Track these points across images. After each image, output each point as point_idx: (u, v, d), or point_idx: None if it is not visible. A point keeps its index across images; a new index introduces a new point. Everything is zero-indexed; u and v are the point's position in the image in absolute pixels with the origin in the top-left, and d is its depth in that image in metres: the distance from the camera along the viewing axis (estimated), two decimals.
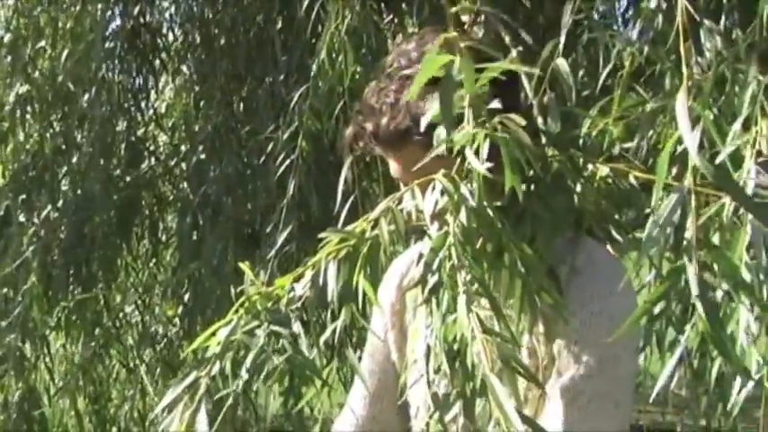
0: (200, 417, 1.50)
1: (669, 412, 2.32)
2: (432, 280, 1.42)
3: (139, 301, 5.37)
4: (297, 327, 1.54)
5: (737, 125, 1.65)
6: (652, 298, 1.28)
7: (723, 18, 2.55)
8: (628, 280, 1.74)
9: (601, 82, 2.49)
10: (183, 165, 5.12)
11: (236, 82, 4.78)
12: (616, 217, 1.78)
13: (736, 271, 1.24)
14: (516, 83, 1.78)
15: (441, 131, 1.48)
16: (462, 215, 1.43)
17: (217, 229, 4.51)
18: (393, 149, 1.81)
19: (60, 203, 4.96)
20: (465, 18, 1.91)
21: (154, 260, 5.42)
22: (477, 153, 1.42)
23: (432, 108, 1.50)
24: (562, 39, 2.00)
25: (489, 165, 1.41)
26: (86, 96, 4.93)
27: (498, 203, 1.47)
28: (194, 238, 4.71)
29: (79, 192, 4.89)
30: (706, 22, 2.15)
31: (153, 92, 5.31)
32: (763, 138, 1.64)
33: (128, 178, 5.04)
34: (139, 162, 5.17)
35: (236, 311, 1.57)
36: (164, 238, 5.35)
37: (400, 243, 1.60)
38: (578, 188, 1.71)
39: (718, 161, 1.51)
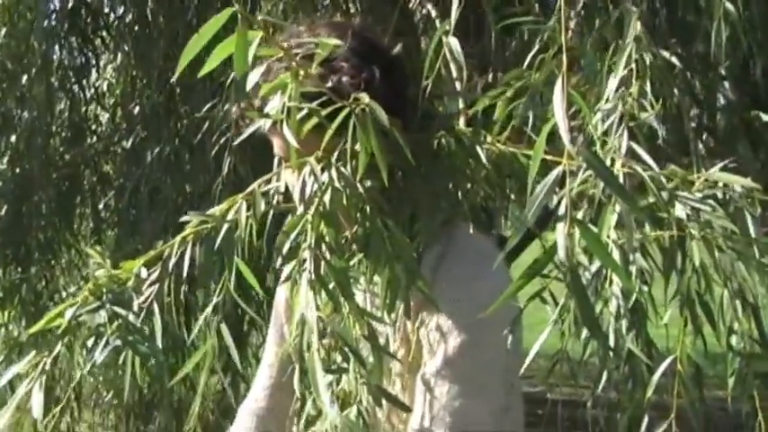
0: (35, 398, 1.50)
1: (583, 386, 2.35)
2: (278, 261, 1.44)
3: (82, 282, 5.36)
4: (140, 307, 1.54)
5: (612, 85, 1.67)
6: (524, 276, 1.31)
7: None
8: (497, 263, 1.75)
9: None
10: (125, 143, 5.12)
11: (174, 61, 4.77)
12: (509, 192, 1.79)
13: (602, 247, 1.27)
14: (399, 69, 1.78)
15: (273, 103, 1.48)
16: (327, 197, 1.44)
17: (156, 207, 4.52)
18: (272, 127, 1.78)
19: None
20: None
21: (95, 239, 5.41)
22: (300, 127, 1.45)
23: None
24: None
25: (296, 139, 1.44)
26: (26, 76, 4.91)
27: (386, 186, 1.48)
28: (132, 217, 4.72)
29: (18, 170, 4.88)
30: None
31: (94, 71, 5.29)
32: (635, 101, 1.67)
33: (67, 157, 5.03)
34: (81, 141, 5.16)
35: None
36: (105, 216, 5.34)
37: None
38: (473, 167, 1.72)
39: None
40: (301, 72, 1.45)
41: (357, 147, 1.46)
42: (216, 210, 1.59)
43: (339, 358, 1.46)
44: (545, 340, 1.55)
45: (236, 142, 2.06)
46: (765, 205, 2.01)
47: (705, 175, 1.61)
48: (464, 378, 1.69)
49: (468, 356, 1.69)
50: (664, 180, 1.56)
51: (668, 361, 1.77)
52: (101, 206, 5.28)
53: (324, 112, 1.48)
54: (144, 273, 1.57)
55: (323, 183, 1.47)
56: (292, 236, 1.45)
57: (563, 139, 1.27)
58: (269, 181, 1.63)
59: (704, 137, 3.25)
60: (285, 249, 1.44)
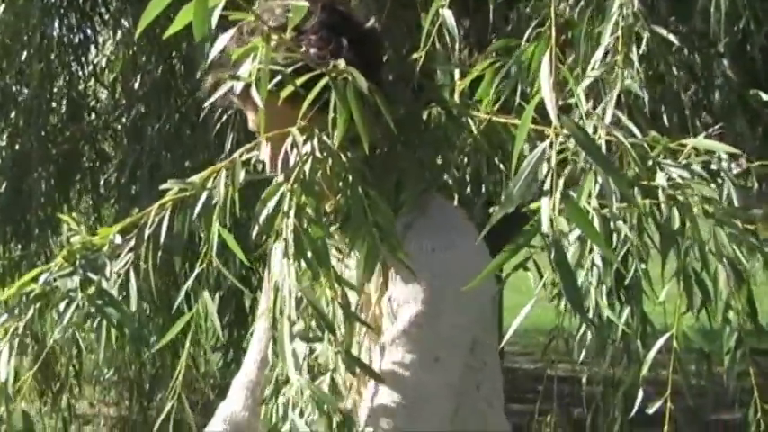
0: (3, 360, 1.50)
1: (580, 363, 2.37)
2: (255, 230, 1.44)
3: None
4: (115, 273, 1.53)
5: (599, 54, 1.67)
6: (510, 249, 1.31)
7: None
8: (466, 234, 1.74)
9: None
10: (124, 119, 5.12)
11: (175, 37, 4.76)
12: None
13: (583, 216, 1.27)
14: (371, 42, 1.77)
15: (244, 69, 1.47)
16: (307, 166, 1.44)
17: (156, 184, 4.51)
18: (247, 101, 1.79)
19: None
20: None
21: (95, 216, 5.41)
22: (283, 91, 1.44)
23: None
24: None
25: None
26: (25, 53, 4.90)
27: (371, 156, 1.48)
28: (133, 193, 4.72)
29: (17, 147, 4.88)
30: None
31: (93, 47, 5.28)
32: (621, 70, 1.67)
33: (67, 134, 5.03)
34: (80, 117, 5.16)
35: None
36: (105, 193, 5.34)
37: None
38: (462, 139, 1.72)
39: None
40: (273, 38, 1.44)
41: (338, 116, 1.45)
42: (195, 177, 1.58)
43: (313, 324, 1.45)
44: (531, 314, 1.54)
45: (205, 105, 2.01)
46: (762, 180, 2.01)
47: (689, 141, 1.61)
48: (418, 349, 1.67)
49: (424, 327, 1.68)
50: (647, 147, 1.56)
51: (664, 338, 1.78)
52: (101, 183, 5.28)
53: (299, 81, 1.47)
54: (118, 239, 1.56)
55: (305, 153, 1.47)
56: (270, 204, 1.45)
57: (548, 110, 1.27)
58: (251, 150, 1.62)
59: (703, 115, 3.25)
60: (263, 218, 1.44)
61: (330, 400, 1.40)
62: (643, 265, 1.79)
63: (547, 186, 1.26)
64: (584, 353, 2.04)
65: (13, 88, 4.96)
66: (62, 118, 5.08)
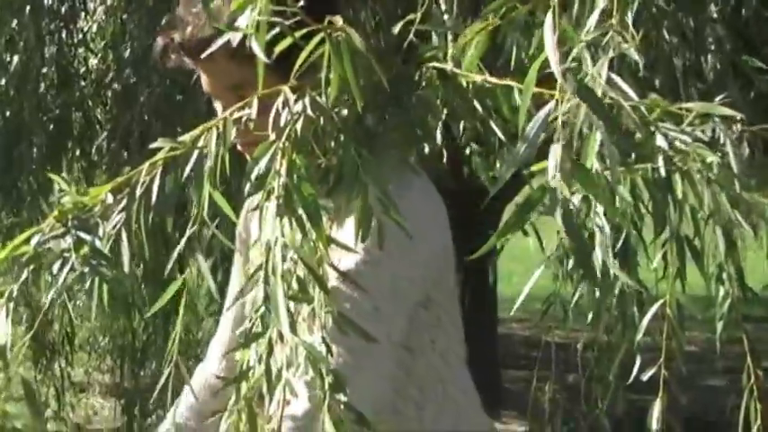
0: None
1: (576, 329, 2.38)
2: (247, 188, 1.43)
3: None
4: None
5: (594, 17, 1.65)
6: (516, 215, 1.30)
7: None
8: (412, 184, 1.74)
9: None
10: (115, 86, 5.11)
11: (165, 3, 4.75)
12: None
13: (593, 180, 1.27)
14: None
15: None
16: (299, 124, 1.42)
17: (147, 150, 4.50)
18: (200, 61, 1.76)
19: None
20: None
21: (86, 182, 5.40)
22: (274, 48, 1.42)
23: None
24: None
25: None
26: (15, 20, 4.87)
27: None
28: (124, 159, 4.72)
29: (8, 114, 4.86)
30: None
31: (83, 14, 5.27)
32: (616, 33, 1.65)
33: (58, 101, 5.02)
34: (70, 85, 5.14)
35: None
36: (96, 160, 5.33)
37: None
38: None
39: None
40: None
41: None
42: (187, 136, 1.54)
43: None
44: (527, 280, 1.54)
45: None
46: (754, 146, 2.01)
47: (687, 105, 1.60)
48: (357, 298, 1.64)
49: (364, 275, 1.65)
50: (644, 110, 1.54)
51: (658, 304, 1.78)
52: (92, 150, 5.26)
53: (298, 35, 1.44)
54: (110, 198, 1.53)
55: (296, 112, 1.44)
56: (262, 164, 1.42)
57: (553, 70, 1.27)
58: (242, 109, 1.59)
59: (696, 84, 3.25)
60: (254, 175, 1.42)
61: (324, 359, 1.36)
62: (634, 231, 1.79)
63: (554, 148, 1.24)
64: (589, 318, 2.03)
65: (4, 56, 4.93)
66: (53, 84, 5.06)
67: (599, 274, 1.49)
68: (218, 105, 1.84)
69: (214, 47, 1.55)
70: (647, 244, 1.79)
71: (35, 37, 4.76)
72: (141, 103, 4.64)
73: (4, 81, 4.90)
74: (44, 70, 4.96)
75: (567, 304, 2.24)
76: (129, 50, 4.96)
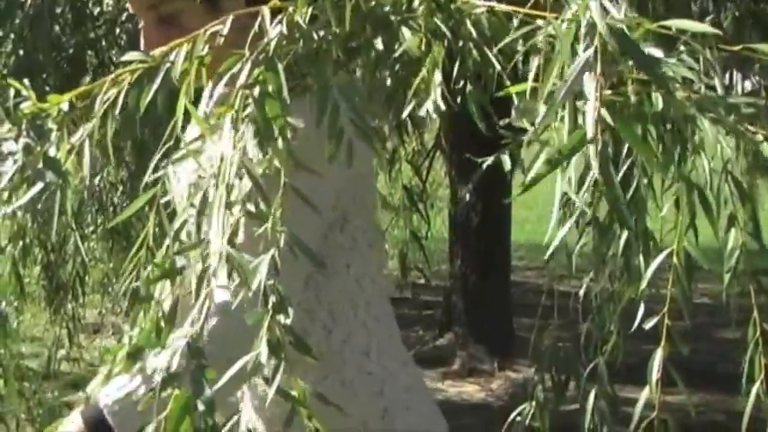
0: None
1: (574, 276, 2.36)
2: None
3: None
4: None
5: None
6: (549, 163, 1.26)
7: None
8: None
9: None
10: (129, 26, 5.09)
11: None
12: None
13: (634, 132, 1.23)
14: None
15: None
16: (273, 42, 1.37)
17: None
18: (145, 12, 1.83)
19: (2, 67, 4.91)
20: None
21: None
22: None
23: None
24: None
25: None
26: None
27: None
28: None
29: (22, 54, 4.85)
30: None
31: None
32: None
33: (72, 41, 5.00)
34: (84, 24, 5.12)
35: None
36: None
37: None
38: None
39: None
40: None
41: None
42: (156, 51, 1.49)
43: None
44: (541, 229, 1.51)
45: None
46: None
47: (667, 23, 1.54)
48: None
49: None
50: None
51: (664, 254, 1.76)
52: None
53: None
54: (66, 107, 1.49)
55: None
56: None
57: (597, 25, 1.21)
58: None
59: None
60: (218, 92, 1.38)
61: (250, 271, 1.28)
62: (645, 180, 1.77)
63: (588, 88, 1.20)
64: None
65: None
66: (67, 24, 5.04)
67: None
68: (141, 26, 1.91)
69: None
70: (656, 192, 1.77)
71: None
72: None
73: (18, 21, 4.88)
74: (58, 10, 4.94)
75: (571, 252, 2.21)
76: None
